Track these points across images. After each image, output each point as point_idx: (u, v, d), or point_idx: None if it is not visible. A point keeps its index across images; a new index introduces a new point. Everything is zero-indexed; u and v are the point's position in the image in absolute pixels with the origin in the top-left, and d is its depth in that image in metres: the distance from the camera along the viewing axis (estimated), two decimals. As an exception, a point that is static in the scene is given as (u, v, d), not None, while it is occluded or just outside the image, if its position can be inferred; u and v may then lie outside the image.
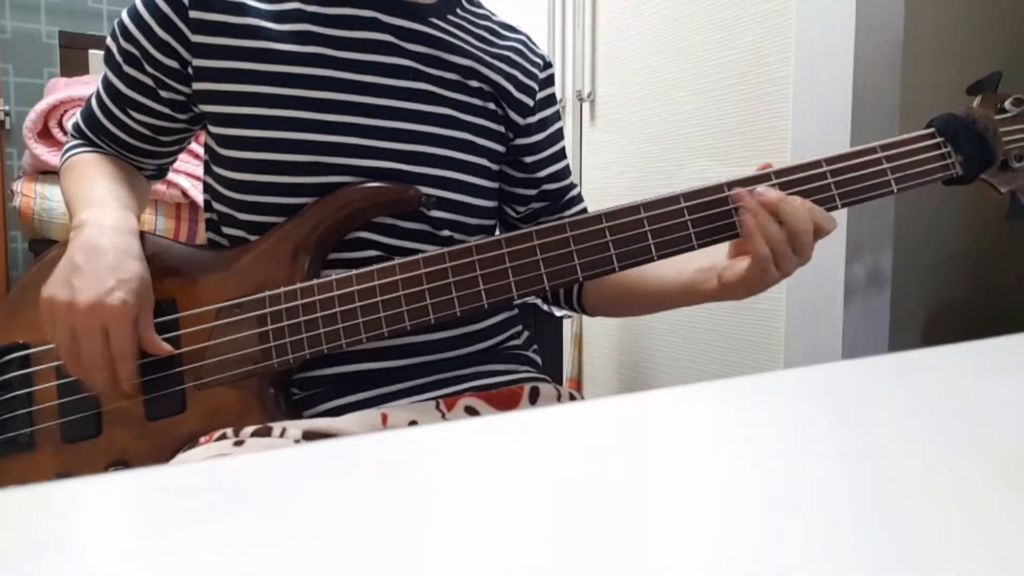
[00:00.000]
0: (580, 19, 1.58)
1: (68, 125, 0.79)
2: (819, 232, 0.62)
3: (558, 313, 1.47)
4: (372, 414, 0.64)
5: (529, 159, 0.78)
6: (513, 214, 0.81)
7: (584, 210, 0.83)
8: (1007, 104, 0.67)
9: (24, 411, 0.65)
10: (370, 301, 0.63)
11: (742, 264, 0.63)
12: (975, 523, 0.20)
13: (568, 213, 0.82)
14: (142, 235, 0.66)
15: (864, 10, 1.03)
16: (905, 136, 0.66)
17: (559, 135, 0.82)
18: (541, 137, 0.79)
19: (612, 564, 0.18)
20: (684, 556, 0.18)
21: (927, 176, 0.65)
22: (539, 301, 1.44)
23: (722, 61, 1.25)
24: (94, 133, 0.74)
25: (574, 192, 0.84)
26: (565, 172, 0.82)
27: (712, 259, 0.68)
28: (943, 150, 0.65)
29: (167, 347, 0.63)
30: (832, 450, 0.26)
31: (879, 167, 0.64)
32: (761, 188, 0.62)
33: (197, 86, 0.66)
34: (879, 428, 0.28)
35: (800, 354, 1.14)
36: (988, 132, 0.66)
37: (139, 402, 0.64)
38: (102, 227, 0.62)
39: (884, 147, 0.65)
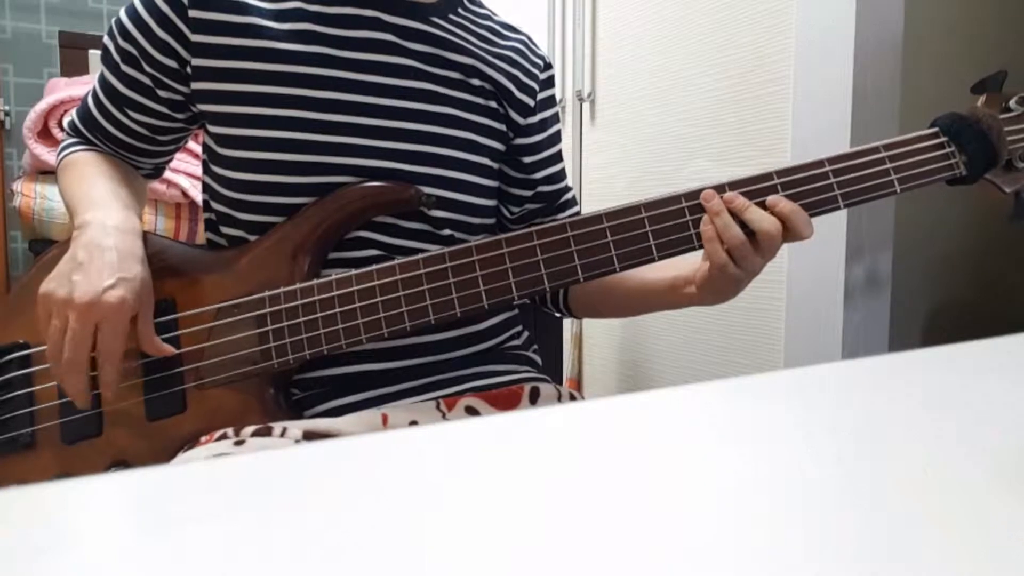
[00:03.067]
0: (580, 19, 1.58)
1: (66, 121, 0.78)
2: (795, 236, 0.62)
3: (558, 313, 1.47)
4: (372, 414, 0.64)
5: (528, 160, 0.78)
6: (507, 214, 0.81)
7: (577, 213, 0.84)
8: (1012, 103, 0.66)
9: (24, 411, 0.65)
10: (370, 301, 0.62)
11: (705, 267, 0.64)
12: (975, 523, 0.20)
13: (562, 216, 0.82)
14: (143, 235, 0.66)
15: (864, 10, 1.03)
16: (908, 136, 0.65)
17: (557, 137, 0.82)
18: (541, 138, 0.79)
19: (612, 564, 0.18)
20: (684, 556, 0.18)
21: (931, 176, 0.64)
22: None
23: (722, 61, 1.25)
24: (90, 132, 0.73)
25: (568, 195, 0.84)
26: (561, 174, 0.82)
27: (693, 263, 0.68)
28: (947, 150, 0.65)
29: (167, 347, 0.62)
30: (832, 450, 0.26)
31: (882, 167, 0.64)
32: (730, 195, 0.62)
33: (196, 86, 0.66)
34: (879, 428, 0.28)
35: (800, 354, 1.14)
36: (992, 131, 0.65)
37: (139, 402, 0.63)
38: (106, 227, 0.62)
39: (887, 147, 0.64)
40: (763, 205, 0.62)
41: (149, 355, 0.62)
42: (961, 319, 1.87)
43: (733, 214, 0.62)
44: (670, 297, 0.71)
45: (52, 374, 0.60)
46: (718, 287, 0.65)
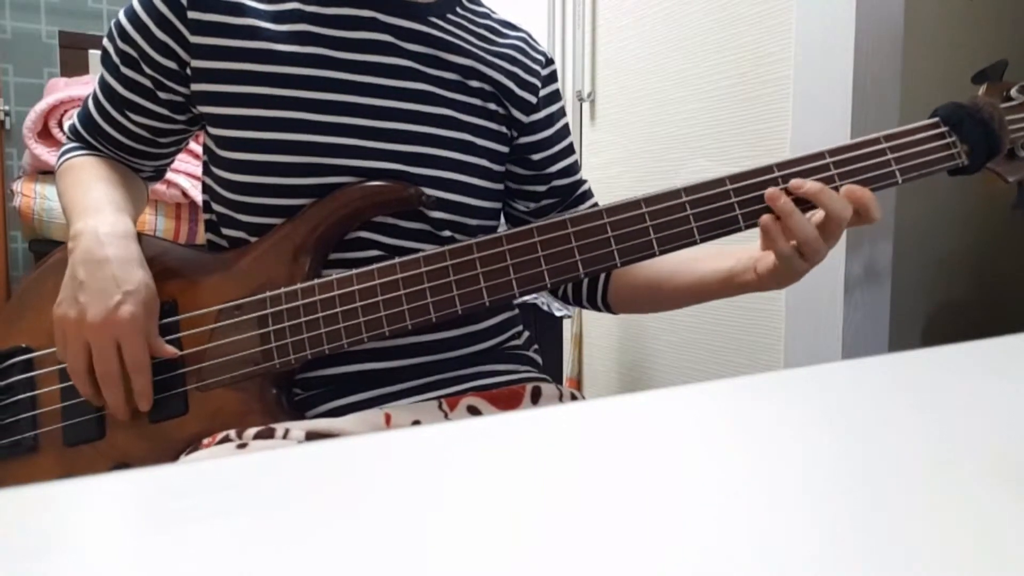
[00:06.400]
0: (580, 19, 1.58)
1: (67, 126, 0.78)
2: (865, 218, 0.62)
3: (558, 313, 1.47)
4: (375, 414, 0.64)
5: (536, 156, 0.78)
6: (524, 209, 0.81)
7: (595, 205, 0.83)
8: (1013, 92, 0.66)
9: (27, 415, 0.65)
10: (371, 300, 0.62)
11: (770, 258, 0.64)
12: (975, 523, 0.20)
13: (580, 208, 0.82)
14: (142, 237, 0.66)
15: (864, 9, 1.04)
16: (909, 126, 0.65)
17: (566, 131, 0.82)
18: (548, 134, 0.79)
19: (612, 564, 0.18)
20: (684, 556, 0.18)
21: (932, 166, 0.64)
22: (553, 300, 1.44)
23: (722, 61, 1.25)
24: (91, 135, 0.73)
25: (584, 187, 0.83)
26: (574, 167, 0.82)
27: (749, 250, 0.68)
28: (948, 140, 0.64)
29: (172, 350, 0.63)
30: (832, 450, 0.26)
31: (883, 157, 0.63)
32: (797, 181, 0.62)
33: (196, 87, 0.66)
34: (879, 428, 0.28)
35: (800, 354, 1.14)
36: (994, 121, 0.64)
37: (141, 403, 0.64)
38: (98, 236, 0.62)
39: (888, 137, 0.64)
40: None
41: (153, 357, 0.62)
42: (961, 319, 1.87)
43: (801, 201, 0.61)
44: (726, 289, 0.71)
45: (83, 393, 0.62)
46: (784, 277, 0.65)
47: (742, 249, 0.70)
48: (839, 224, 0.61)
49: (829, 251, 0.63)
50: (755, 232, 0.65)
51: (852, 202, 0.61)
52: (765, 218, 0.62)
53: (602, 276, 0.81)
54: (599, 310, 0.85)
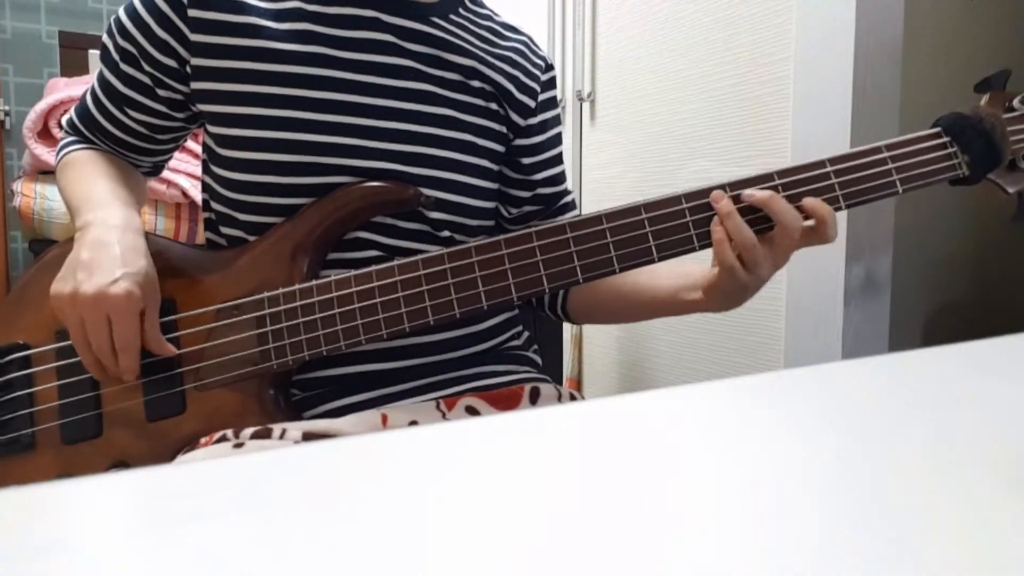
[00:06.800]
0: (580, 19, 1.58)
1: (64, 119, 0.78)
2: (820, 237, 0.61)
3: (554, 317, 1.47)
4: (372, 415, 0.64)
5: (527, 160, 0.78)
6: (505, 214, 0.81)
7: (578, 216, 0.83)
8: (1015, 103, 0.65)
9: (25, 412, 0.65)
10: (369, 302, 0.62)
11: (713, 272, 0.64)
12: (975, 523, 0.20)
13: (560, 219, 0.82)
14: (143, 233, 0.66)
15: (864, 10, 1.04)
16: (911, 136, 0.65)
17: (558, 139, 0.82)
18: (541, 139, 0.79)
19: (612, 564, 0.18)
20: (684, 556, 0.18)
21: (933, 176, 0.64)
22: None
23: (722, 61, 1.25)
24: (89, 130, 0.73)
25: (568, 199, 0.83)
26: (560, 177, 0.82)
27: (701, 270, 0.68)
28: (949, 150, 0.64)
29: (171, 348, 0.62)
30: (832, 450, 0.26)
31: (884, 167, 0.63)
32: (748, 191, 0.62)
33: (195, 85, 0.66)
34: (879, 428, 0.28)
35: (800, 354, 1.14)
36: (995, 131, 0.64)
37: (139, 403, 0.64)
38: (108, 226, 0.62)
39: (889, 147, 0.64)
40: (800, 208, 0.62)
41: (152, 355, 0.62)
42: (961, 320, 1.87)
43: (755, 208, 0.61)
44: (676, 306, 0.71)
45: (84, 362, 0.61)
46: (726, 292, 0.64)
47: (695, 267, 0.69)
48: (790, 236, 0.60)
49: (777, 268, 0.62)
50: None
51: (813, 216, 0.61)
52: (714, 221, 0.62)
53: None
54: (557, 318, 0.85)
